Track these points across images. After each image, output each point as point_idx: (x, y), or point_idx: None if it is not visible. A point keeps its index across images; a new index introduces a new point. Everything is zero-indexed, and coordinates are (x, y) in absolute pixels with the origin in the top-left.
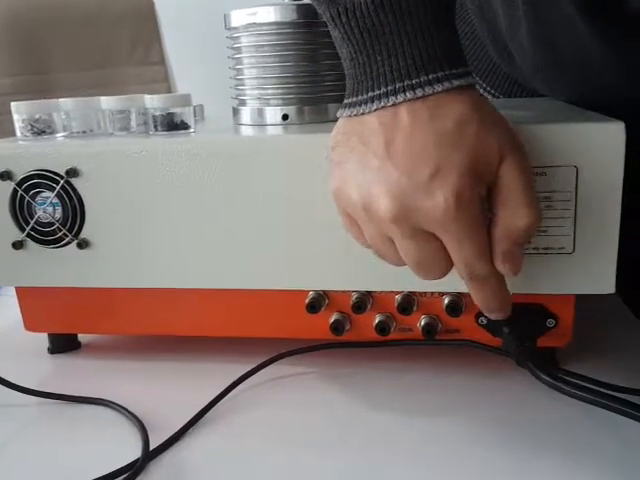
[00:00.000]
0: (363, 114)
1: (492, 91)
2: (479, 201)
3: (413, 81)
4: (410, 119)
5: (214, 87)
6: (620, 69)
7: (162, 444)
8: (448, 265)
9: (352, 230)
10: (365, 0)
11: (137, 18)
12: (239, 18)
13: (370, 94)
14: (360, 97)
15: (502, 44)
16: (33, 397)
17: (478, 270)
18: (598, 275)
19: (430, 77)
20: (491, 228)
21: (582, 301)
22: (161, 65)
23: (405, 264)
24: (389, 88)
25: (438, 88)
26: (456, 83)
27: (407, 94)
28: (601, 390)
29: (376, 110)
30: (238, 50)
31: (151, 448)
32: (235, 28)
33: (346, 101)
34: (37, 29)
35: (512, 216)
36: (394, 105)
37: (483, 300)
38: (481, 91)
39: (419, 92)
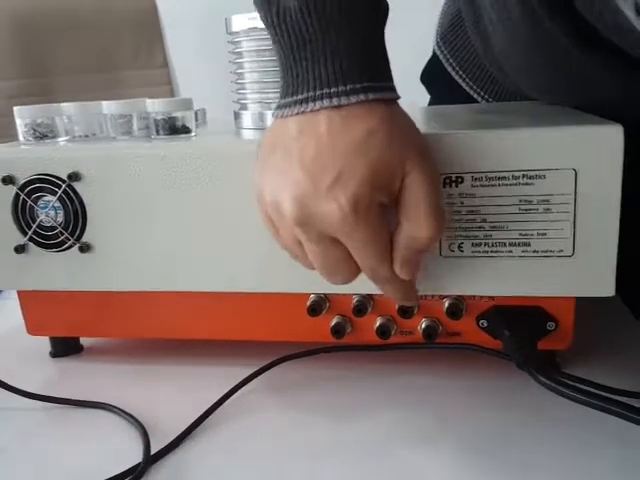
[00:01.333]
0: (286, 117)
1: (490, 99)
2: (378, 209)
3: (332, 90)
4: (325, 127)
5: (217, 90)
6: (618, 85)
7: (163, 448)
8: (353, 270)
9: (270, 230)
10: (294, 6)
11: (140, 21)
12: (240, 23)
13: (294, 98)
14: (286, 99)
15: (496, 59)
16: (35, 401)
17: (381, 273)
18: (598, 278)
19: (348, 88)
20: (394, 235)
21: (583, 303)
22: (164, 68)
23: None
24: (310, 94)
25: (353, 99)
26: (372, 96)
27: (324, 102)
28: (601, 393)
29: (297, 114)
30: (239, 54)
31: (152, 452)
32: (236, 32)
33: (277, 102)
34: (40, 32)
35: (413, 227)
36: (313, 111)
37: (390, 295)
38: (479, 100)
39: (335, 101)
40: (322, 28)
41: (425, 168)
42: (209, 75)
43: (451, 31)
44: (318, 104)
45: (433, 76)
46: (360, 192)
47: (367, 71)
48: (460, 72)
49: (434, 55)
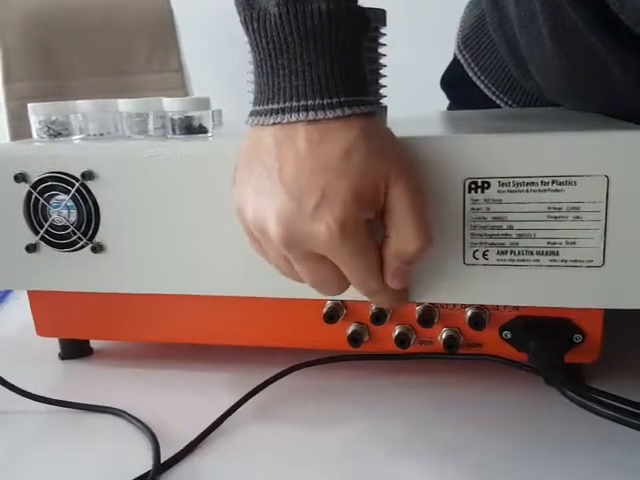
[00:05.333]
0: (262, 125)
1: (512, 104)
2: (365, 226)
3: (308, 102)
4: (303, 142)
5: (231, 95)
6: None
7: (174, 456)
8: (344, 283)
9: (256, 248)
10: (275, 12)
11: (155, 25)
12: None
13: (270, 106)
14: (262, 107)
15: (522, 62)
16: (42, 404)
17: (371, 287)
18: (628, 289)
19: (324, 102)
20: (383, 248)
21: (611, 315)
22: (179, 72)
23: None
24: (286, 105)
25: (330, 114)
26: (348, 111)
27: (300, 115)
28: (634, 410)
29: (273, 124)
30: None
31: (162, 460)
32: None
33: (251, 109)
34: (54, 34)
35: (401, 240)
36: (290, 123)
37: (382, 305)
38: (501, 104)
39: (312, 115)
40: (301, 37)
41: (408, 180)
42: (223, 79)
43: (473, 35)
44: (294, 116)
45: (454, 81)
46: (346, 212)
47: (344, 85)
48: (482, 77)
49: (455, 60)
